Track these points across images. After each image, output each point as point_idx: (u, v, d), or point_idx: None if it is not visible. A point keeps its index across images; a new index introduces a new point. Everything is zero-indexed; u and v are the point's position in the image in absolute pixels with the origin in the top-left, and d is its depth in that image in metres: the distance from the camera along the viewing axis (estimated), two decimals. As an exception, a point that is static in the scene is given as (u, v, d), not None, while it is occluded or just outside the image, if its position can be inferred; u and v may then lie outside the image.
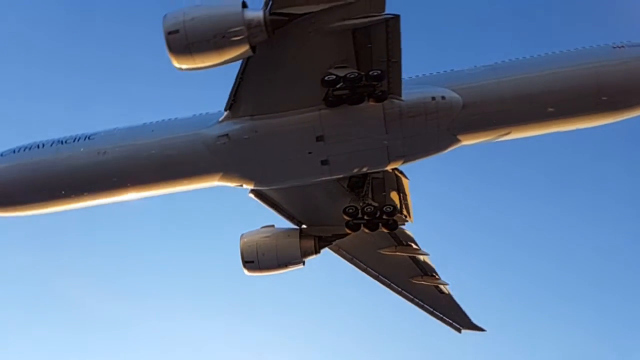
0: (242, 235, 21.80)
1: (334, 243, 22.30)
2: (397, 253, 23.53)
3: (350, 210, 20.18)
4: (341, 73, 17.05)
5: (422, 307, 25.37)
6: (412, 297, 25.24)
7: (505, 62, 19.60)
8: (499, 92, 18.69)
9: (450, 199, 45.83)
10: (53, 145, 19.43)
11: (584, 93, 18.63)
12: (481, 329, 26.08)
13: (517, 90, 18.68)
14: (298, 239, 21.52)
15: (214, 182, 19.74)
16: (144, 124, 19.89)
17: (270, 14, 15.72)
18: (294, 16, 16.06)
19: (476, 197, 48.10)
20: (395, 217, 20.64)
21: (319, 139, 18.48)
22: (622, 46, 19.12)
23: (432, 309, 25.58)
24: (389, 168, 20.08)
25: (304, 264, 21.94)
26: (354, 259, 23.95)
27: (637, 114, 19.35)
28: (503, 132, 19.43)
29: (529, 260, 47.24)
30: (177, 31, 15.22)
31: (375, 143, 18.83)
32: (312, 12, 16.02)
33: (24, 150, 19.46)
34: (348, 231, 20.70)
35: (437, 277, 24.68)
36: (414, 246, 23.55)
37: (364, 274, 24.57)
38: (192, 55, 15.45)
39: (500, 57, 19.93)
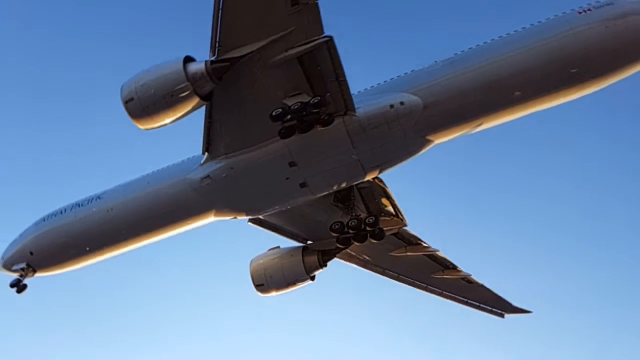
0: (251, 260, 23.15)
1: (337, 255, 22.91)
2: (409, 253, 23.67)
3: (336, 227, 20.74)
4: (291, 102, 17.68)
5: (454, 299, 25.42)
6: (440, 291, 25.29)
7: (465, 52, 18.91)
8: (459, 86, 18.15)
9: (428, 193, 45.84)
10: (73, 209, 22.08)
11: (550, 70, 17.53)
12: (527, 311, 25.66)
13: (477, 80, 18.02)
14: (301, 257, 22.35)
15: (210, 219, 21.26)
16: (142, 176, 21.90)
17: (213, 62, 16.86)
18: (236, 59, 17.04)
19: (456, 188, 48.33)
20: (380, 226, 20.85)
21: (292, 164, 19.21)
22: (589, 9, 17.68)
23: (466, 300, 25.52)
24: (368, 179, 20.30)
25: (313, 279, 22.72)
26: (369, 265, 24.43)
27: (619, 78, 17.83)
28: (474, 124, 18.84)
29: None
30: (132, 99, 16.84)
31: (346, 159, 19.18)
32: (252, 52, 16.89)
33: (51, 217, 22.34)
34: (340, 246, 21.28)
35: (458, 269, 24.51)
36: (424, 244, 23.56)
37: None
38: (150, 117, 17.01)
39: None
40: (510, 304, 25.72)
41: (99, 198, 21.82)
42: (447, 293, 25.46)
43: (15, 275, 22.40)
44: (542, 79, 17.71)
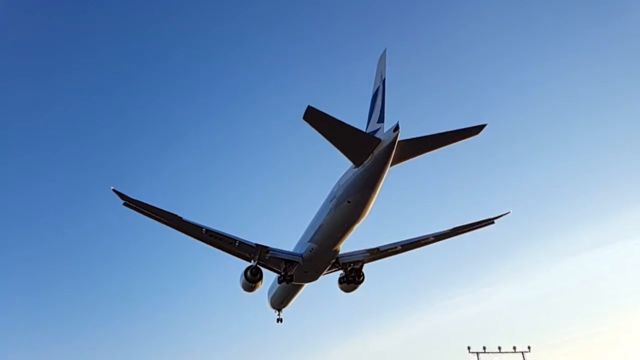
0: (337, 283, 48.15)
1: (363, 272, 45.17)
2: (393, 250, 43.96)
3: (342, 279, 43.90)
4: (282, 267, 41.99)
5: (458, 233, 44.25)
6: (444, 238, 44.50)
7: (312, 220, 38.57)
8: (320, 236, 38.54)
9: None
10: (269, 292, 52.18)
11: (339, 225, 36.38)
12: (506, 213, 42.90)
13: (324, 233, 37.95)
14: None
15: (306, 285, 47.55)
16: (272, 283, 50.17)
17: (252, 270, 42.79)
18: (258, 264, 42.52)
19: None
20: (355, 275, 42.98)
21: (305, 271, 43.24)
22: (332, 199, 34.25)
23: (462, 231, 44.02)
24: (333, 260, 42.14)
25: (361, 283, 45.93)
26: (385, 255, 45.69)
27: (364, 217, 34.03)
28: (344, 239, 38.23)
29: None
30: (242, 288, 44.71)
31: (321, 262, 41.87)
32: (256, 260, 41.90)
33: (269, 291, 52.87)
34: (347, 285, 44.22)
35: (429, 237, 43.19)
36: (393, 246, 43.39)
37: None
38: (249, 292, 44.61)
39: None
40: (490, 218, 42.82)
41: (272, 288, 51.33)
42: (452, 235, 44.05)
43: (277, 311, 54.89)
44: (341, 227, 36.26)
